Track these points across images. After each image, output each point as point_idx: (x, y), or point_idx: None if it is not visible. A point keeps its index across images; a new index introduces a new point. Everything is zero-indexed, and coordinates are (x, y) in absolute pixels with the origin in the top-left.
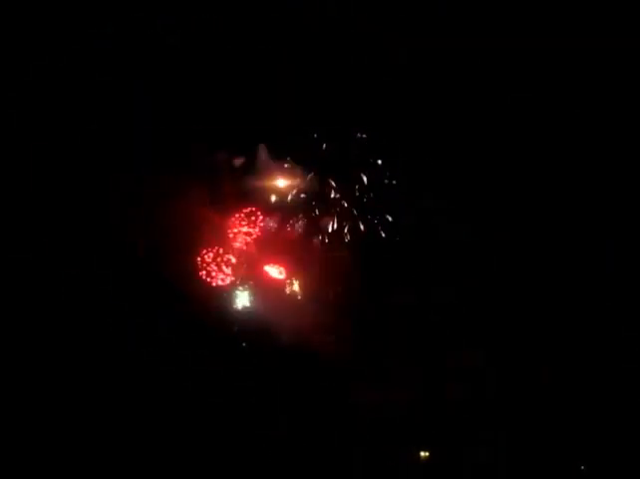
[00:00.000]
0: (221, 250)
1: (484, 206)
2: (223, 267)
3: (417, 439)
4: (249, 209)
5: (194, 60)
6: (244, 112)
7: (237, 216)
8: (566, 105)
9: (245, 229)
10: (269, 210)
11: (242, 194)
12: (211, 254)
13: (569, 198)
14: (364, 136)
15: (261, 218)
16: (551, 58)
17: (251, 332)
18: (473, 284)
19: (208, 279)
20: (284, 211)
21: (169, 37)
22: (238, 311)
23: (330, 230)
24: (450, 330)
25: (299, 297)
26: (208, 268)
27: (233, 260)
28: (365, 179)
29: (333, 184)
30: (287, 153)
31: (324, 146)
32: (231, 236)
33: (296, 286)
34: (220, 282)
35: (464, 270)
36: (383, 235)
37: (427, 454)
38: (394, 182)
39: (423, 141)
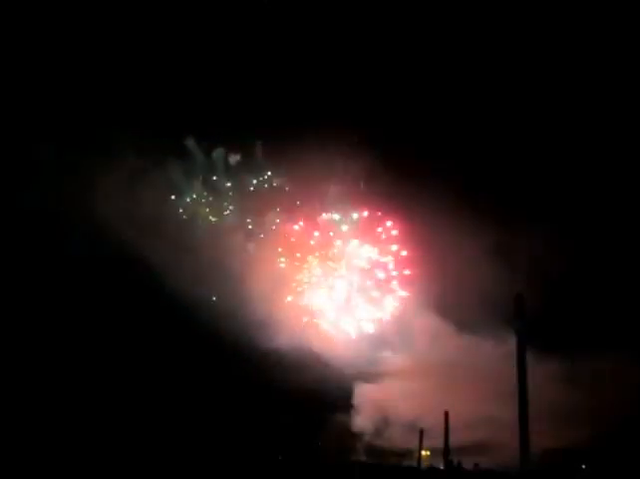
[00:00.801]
0: None
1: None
2: None
3: None
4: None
5: (193, 59)
6: (242, 111)
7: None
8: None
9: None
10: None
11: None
12: None
13: None
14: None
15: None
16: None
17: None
18: None
19: None
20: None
21: (168, 36)
22: None
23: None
24: None
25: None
26: None
27: None
28: (362, 184)
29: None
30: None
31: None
32: None
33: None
34: None
35: None
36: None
37: (428, 453)
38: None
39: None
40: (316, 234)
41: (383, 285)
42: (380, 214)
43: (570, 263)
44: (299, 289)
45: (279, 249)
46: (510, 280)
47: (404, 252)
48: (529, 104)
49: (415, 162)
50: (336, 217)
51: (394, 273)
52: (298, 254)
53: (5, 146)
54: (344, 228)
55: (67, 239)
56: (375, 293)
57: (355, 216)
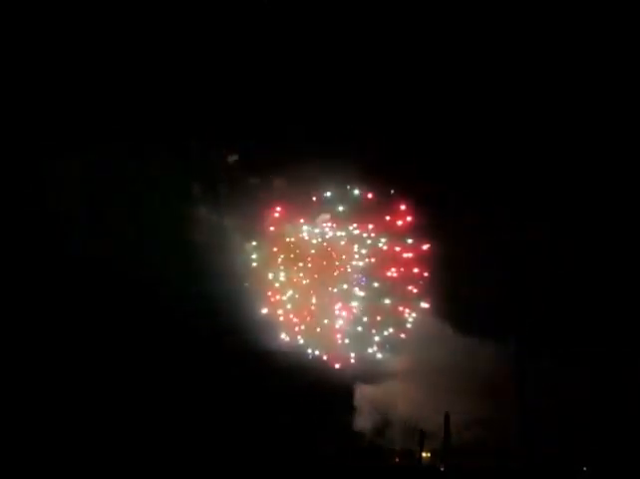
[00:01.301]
0: None
1: None
2: None
3: None
4: None
5: (193, 58)
6: (242, 111)
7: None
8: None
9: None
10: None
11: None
12: None
13: None
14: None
15: None
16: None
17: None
18: None
19: None
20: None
21: (168, 35)
22: None
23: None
24: None
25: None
26: None
27: None
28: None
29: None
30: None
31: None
32: None
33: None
34: None
35: None
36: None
37: (428, 454)
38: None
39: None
40: (302, 221)
41: (397, 289)
42: (393, 191)
43: (572, 263)
44: (276, 298)
45: (253, 244)
46: (511, 281)
47: (425, 246)
48: (532, 103)
49: (414, 160)
50: (328, 194)
51: (415, 270)
52: (275, 249)
53: (4, 146)
54: (340, 209)
55: (67, 240)
56: (386, 300)
57: (356, 192)
